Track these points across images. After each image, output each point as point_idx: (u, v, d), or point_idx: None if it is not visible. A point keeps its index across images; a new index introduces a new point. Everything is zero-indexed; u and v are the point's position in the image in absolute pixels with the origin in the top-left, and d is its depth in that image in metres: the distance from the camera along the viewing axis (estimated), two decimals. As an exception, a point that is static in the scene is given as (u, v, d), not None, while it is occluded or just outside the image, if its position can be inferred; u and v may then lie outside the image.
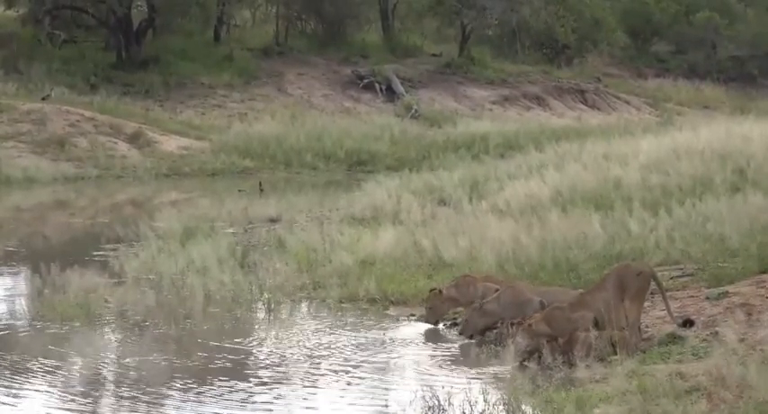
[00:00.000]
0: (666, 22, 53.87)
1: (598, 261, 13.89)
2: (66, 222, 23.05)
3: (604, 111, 46.18)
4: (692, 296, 12.26)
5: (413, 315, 13.13)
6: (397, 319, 13.06)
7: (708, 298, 11.96)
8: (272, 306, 13.66)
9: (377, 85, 42.77)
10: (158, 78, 39.67)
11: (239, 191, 26.82)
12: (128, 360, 11.35)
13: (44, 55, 39.25)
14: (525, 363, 10.58)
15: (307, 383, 10.46)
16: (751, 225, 14.60)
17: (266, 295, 13.99)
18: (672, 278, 13.15)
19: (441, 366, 11.14)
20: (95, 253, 17.89)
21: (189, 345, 12.02)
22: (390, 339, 12.11)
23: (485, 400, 9.24)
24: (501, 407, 9.11)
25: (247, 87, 41.55)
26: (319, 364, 11.12)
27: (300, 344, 11.93)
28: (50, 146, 32.23)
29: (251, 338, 12.30)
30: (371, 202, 21.07)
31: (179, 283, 14.57)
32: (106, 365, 11.22)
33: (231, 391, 10.21)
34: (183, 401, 9.94)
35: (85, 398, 10.07)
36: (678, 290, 12.64)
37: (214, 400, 9.96)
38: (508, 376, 10.18)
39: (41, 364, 11.18)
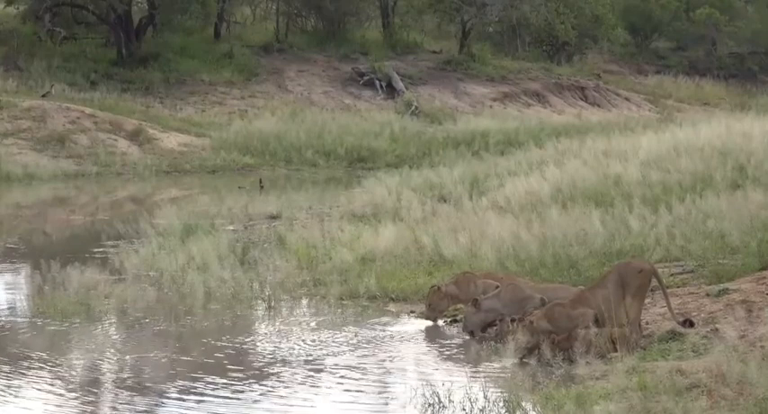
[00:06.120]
0: (666, 18, 53.83)
1: (598, 258, 13.90)
2: (67, 219, 23.05)
3: (604, 107, 46.16)
4: (693, 293, 12.26)
5: (413, 312, 13.13)
6: (398, 316, 13.06)
7: (708, 295, 11.97)
8: (273, 303, 13.67)
9: (377, 82, 42.74)
10: (158, 75, 39.66)
11: (239, 188, 26.81)
12: (128, 357, 11.36)
13: (44, 52, 39.24)
14: (525, 359, 10.59)
15: (307, 380, 10.47)
16: (751, 222, 14.61)
17: (266, 292, 14.00)
18: (672, 275, 13.16)
19: (441, 363, 11.15)
20: (95, 250, 17.89)
21: (189, 342, 12.03)
22: (390, 336, 12.12)
23: (485, 397, 9.25)
24: (501, 404, 9.12)
25: (247, 84, 41.52)
26: (319, 360, 11.13)
27: (300, 341, 11.93)
28: (51, 143, 32.23)
29: (251, 335, 12.30)
30: (372, 198, 21.09)
31: (179, 280, 14.58)
32: (106, 362, 11.22)
33: (231, 388, 10.21)
34: (183, 399, 9.94)
35: (86, 395, 10.08)
36: (678, 287, 12.65)
37: (214, 397, 9.96)
38: (508, 373, 10.19)
39: (42, 360, 11.19)
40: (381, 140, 34.99)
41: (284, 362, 11.11)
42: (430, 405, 9.36)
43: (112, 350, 11.68)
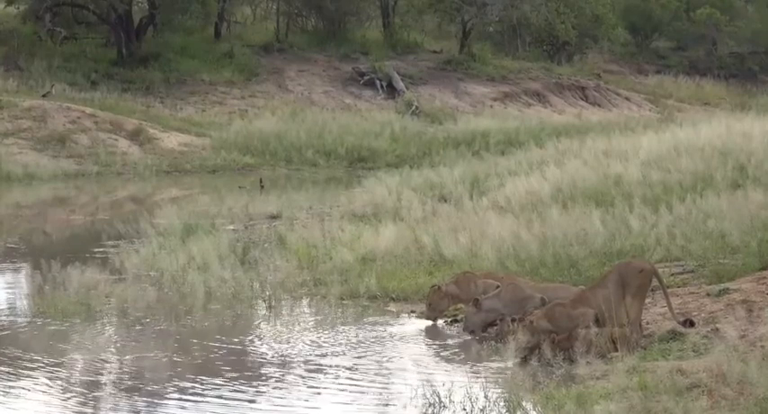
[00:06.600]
0: (667, 18, 53.83)
1: (599, 258, 13.90)
2: (67, 219, 23.05)
3: (605, 107, 46.15)
4: (693, 293, 12.27)
5: (413, 312, 13.13)
6: (398, 316, 13.06)
7: (708, 294, 11.97)
8: (273, 303, 13.67)
9: (377, 82, 42.73)
10: (159, 75, 39.64)
11: (240, 187, 26.80)
12: (128, 357, 11.36)
13: (45, 52, 39.24)
14: (526, 359, 10.59)
15: (307, 380, 10.47)
16: (752, 222, 14.61)
17: (267, 292, 14.00)
18: (672, 275, 13.17)
19: (441, 363, 11.15)
20: (96, 250, 17.89)
21: (189, 341, 12.02)
22: (391, 336, 12.12)
23: (485, 397, 9.25)
24: (502, 403, 9.12)
25: (248, 84, 41.52)
26: (320, 360, 11.12)
27: (301, 340, 11.93)
28: (51, 143, 32.22)
29: (251, 335, 12.30)
30: (372, 198, 21.09)
31: (179, 280, 14.57)
32: (107, 362, 11.23)
33: (231, 388, 10.21)
34: (183, 399, 9.94)
35: (86, 395, 10.08)
36: (679, 286, 12.65)
37: (214, 397, 9.96)
38: (509, 373, 10.18)
39: (42, 360, 11.18)
40: (382, 140, 34.99)
41: (284, 362, 11.11)
42: (430, 405, 9.36)
43: (113, 350, 11.68)
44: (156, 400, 9.89)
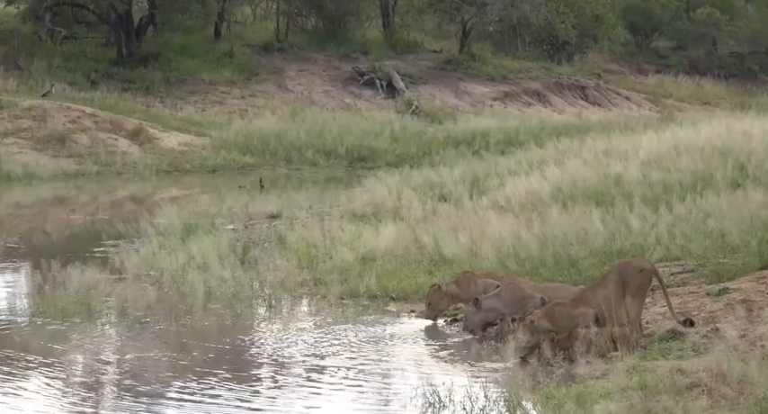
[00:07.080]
0: (667, 18, 53.83)
1: (599, 257, 13.90)
2: (67, 219, 23.04)
3: (605, 107, 46.15)
4: (693, 292, 12.26)
5: (413, 311, 13.13)
6: (398, 316, 13.06)
7: (708, 294, 11.97)
8: (273, 302, 13.67)
9: (377, 82, 42.73)
10: (159, 75, 39.64)
11: (240, 187, 26.80)
12: (128, 356, 11.35)
13: (45, 51, 39.24)
14: (526, 359, 10.59)
15: (307, 380, 10.46)
16: (751, 221, 14.61)
17: (267, 291, 14.00)
18: (672, 274, 13.16)
19: (441, 363, 11.15)
20: (96, 249, 17.89)
21: (189, 341, 12.02)
22: (391, 336, 12.11)
23: (485, 396, 9.25)
24: (501, 403, 9.12)
25: (248, 84, 41.52)
26: (319, 360, 11.12)
27: (301, 340, 11.93)
28: (51, 142, 32.22)
29: (251, 335, 12.30)
30: (372, 198, 21.08)
31: (179, 280, 14.57)
32: (106, 362, 11.23)
33: (231, 388, 10.21)
34: (183, 398, 9.94)
35: (85, 394, 10.07)
36: (679, 286, 12.65)
37: (214, 396, 9.96)
38: (509, 372, 10.18)
39: (42, 360, 11.18)
40: (382, 140, 34.99)
41: (284, 361, 11.11)
42: (430, 404, 9.36)
43: (112, 350, 11.68)
44: (155, 400, 9.88)
